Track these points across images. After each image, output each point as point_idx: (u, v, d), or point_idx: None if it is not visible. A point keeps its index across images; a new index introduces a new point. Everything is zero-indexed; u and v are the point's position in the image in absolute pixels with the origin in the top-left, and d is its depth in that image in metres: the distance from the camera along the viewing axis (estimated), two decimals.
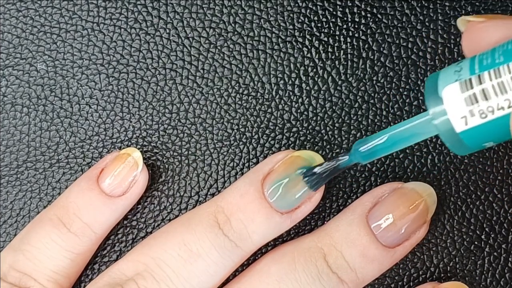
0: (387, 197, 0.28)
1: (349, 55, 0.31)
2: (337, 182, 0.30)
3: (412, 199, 0.28)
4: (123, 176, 0.29)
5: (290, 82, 0.31)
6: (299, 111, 0.30)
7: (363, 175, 0.30)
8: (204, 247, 0.27)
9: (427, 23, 0.30)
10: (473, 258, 0.30)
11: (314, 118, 0.30)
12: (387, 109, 0.30)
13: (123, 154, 0.29)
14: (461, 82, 0.23)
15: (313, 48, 0.31)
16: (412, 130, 0.24)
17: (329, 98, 0.30)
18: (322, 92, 0.31)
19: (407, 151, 0.30)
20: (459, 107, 0.23)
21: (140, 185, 0.29)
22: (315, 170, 0.27)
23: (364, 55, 0.30)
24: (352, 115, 0.30)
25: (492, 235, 0.30)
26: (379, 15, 0.31)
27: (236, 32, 0.31)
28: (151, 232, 0.30)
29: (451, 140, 0.23)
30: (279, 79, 0.31)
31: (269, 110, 0.31)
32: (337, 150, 0.30)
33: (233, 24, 0.31)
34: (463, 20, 0.25)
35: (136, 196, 0.29)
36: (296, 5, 0.31)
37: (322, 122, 0.30)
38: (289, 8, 0.31)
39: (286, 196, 0.28)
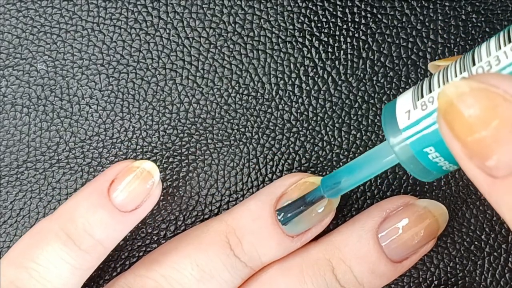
0: (399, 213, 0.28)
1: (349, 55, 0.31)
2: None
3: (424, 219, 0.28)
4: (137, 192, 0.28)
5: (290, 82, 0.30)
6: (299, 111, 0.30)
7: None
8: (217, 268, 0.27)
9: (427, 23, 0.30)
10: (473, 258, 0.30)
11: (314, 118, 0.30)
12: None
13: (136, 166, 0.28)
14: (414, 89, 0.23)
15: (313, 48, 0.31)
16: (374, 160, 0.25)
17: (329, 98, 0.30)
18: (322, 92, 0.31)
19: None
20: (405, 103, 0.23)
21: (155, 199, 0.28)
22: (286, 205, 0.27)
23: (364, 55, 0.30)
24: (352, 115, 0.30)
25: (492, 235, 0.30)
26: (379, 15, 0.31)
27: (236, 32, 0.31)
28: (150, 233, 0.30)
29: (405, 154, 0.23)
30: (279, 79, 0.31)
31: (269, 110, 0.30)
32: (337, 150, 0.30)
33: (233, 24, 0.31)
34: (433, 65, 0.26)
35: (149, 209, 0.28)
36: (296, 5, 0.31)
37: (322, 122, 0.30)
38: (289, 8, 0.31)
39: (298, 223, 0.28)
